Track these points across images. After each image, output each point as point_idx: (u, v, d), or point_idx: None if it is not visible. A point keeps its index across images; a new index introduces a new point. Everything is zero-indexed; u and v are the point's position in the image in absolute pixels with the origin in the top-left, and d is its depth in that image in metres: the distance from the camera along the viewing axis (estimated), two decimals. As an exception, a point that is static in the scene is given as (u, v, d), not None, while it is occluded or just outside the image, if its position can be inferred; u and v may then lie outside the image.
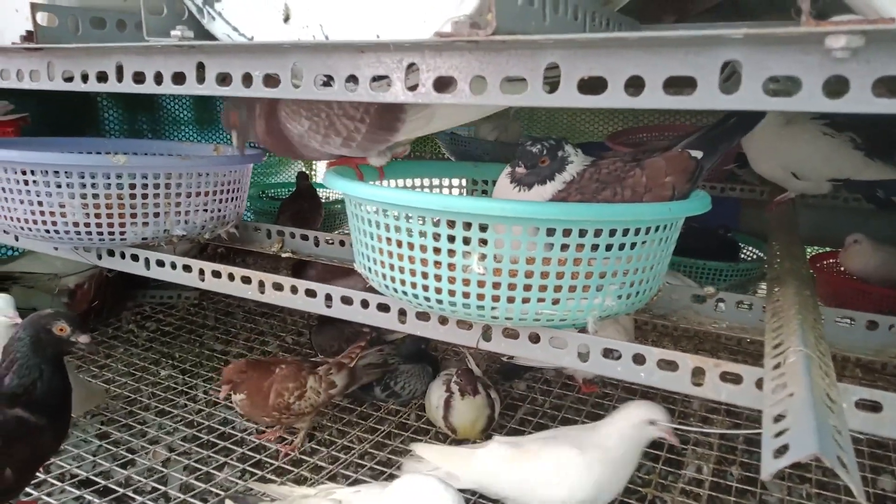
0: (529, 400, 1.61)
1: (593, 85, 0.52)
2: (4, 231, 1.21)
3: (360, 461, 1.34)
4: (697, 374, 0.71)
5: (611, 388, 1.65)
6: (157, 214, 1.07)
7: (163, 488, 1.21)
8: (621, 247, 0.72)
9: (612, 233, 0.70)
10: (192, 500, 1.18)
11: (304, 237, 1.28)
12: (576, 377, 1.61)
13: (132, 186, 1.02)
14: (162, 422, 1.45)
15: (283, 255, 1.24)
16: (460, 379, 1.41)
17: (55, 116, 1.76)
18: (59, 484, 1.19)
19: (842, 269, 1.81)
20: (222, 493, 1.20)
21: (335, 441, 1.41)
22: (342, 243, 1.25)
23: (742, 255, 2.00)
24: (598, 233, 0.70)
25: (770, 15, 1.14)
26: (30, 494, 1.11)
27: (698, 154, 0.82)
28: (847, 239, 1.75)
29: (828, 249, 1.96)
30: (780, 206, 1.45)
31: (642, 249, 0.74)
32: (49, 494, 1.14)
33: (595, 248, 0.71)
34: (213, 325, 2.00)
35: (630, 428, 0.97)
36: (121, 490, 1.19)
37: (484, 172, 1.09)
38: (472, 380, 1.41)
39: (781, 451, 0.50)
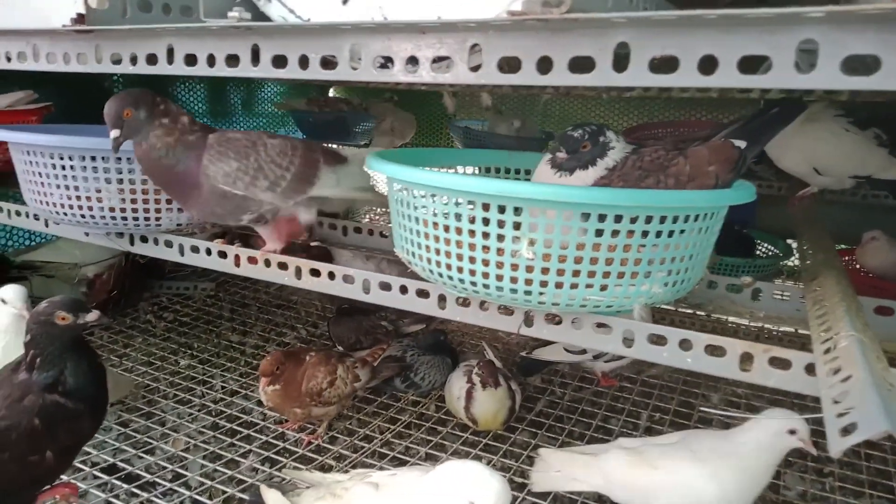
0: (548, 393, 1.61)
1: (664, 64, 0.52)
2: (35, 217, 1.21)
3: (382, 450, 1.35)
4: (746, 359, 0.71)
5: (629, 381, 1.66)
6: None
7: (187, 474, 1.22)
8: (670, 234, 0.72)
9: (663, 220, 0.71)
10: (218, 486, 1.18)
11: (333, 226, 1.29)
12: (595, 371, 1.62)
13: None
14: (184, 410, 1.46)
15: (312, 245, 1.24)
16: (482, 370, 1.41)
17: (72, 106, 1.75)
18: (87, 469, 1.20)
19: (858, 265, 1.81)
20: (248, 479, 1.20)
21: (356, 431, 1.42)
22: (371, 232, 1.25)
23: (757, 252, 2.00)
24: (648, 219, 0.70)
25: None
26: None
27: (741, 144, 0.83)
28: (864, 235, 1.75)
29: (842, 246, 1.96)
30: (803, 201, 1.46)
31: (690, 237, 0.74)
32: (74, 480, 1.15)
33: (645, 234, 0.71)
34: (230, 317, 2.00)
35: (769, 437, 0.91)
36: (147, 476, 1.20)
37: (517, 161, 1.10)
38: (493, 371, 1.42)
39: (849, 429, 0.50)
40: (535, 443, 1.38)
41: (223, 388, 1.58)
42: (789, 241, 1.90)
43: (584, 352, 1.50)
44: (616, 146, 0.85)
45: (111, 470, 1.21)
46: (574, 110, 2.44)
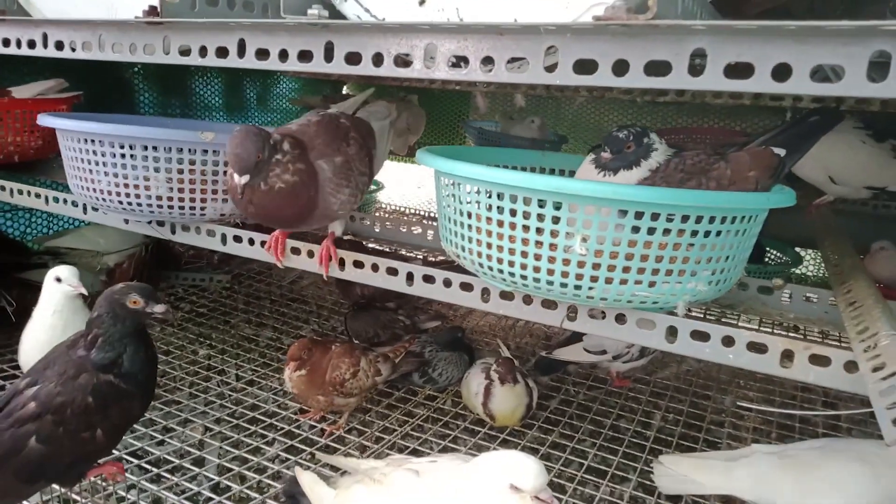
0: (562, 392, 1.64)
1: (738, 70, 0.55)
2: (74, 204, 1.23)
3: (402, 443, 1.37)
4: (787, 356, 0.74)
5: (641, 383, 1.69)
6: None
7: (215, 459, 1.23)
8: (718, 233, 0.75)
9: (712, 219, 0.74)
10: (246, 472, 1.20)
11: (363, 219, 1.31)
12: (610, 371, 1.65)
13: (216, 163, 1.05)
14: (204, 398, 1.47)
15: (345, 238, 1.26)
16: (500, 367, 1.44)
17: (93, 96, 1.77)
18: (115, 453, 1.21)
19: (866, 275, 1.85)
20: (271, 467, 1.22)
21: (375, 423, 1.44)
22: (403, 227, 1.27)
23: (766, 259, 2.04)
24: (699, 219, 0.73)
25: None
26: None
27: (781, 151, 0.86)
28: (873, 245, 1.79)
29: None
30: (819, 209, 1.50)
31: (735, 237, 0.78)
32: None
33: (695, 233, 0.74)
34: (245, 309, 2.02)
35: None
36: (175, 461, 1.22)
37: (552, 161, 1.13)
38: (512, 368, 1.44)
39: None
40: (552, 439, 1.41)
41: (239, 378, 1.60)
42: (798, 249, 1.94)
43: (604, 352, 1.53)
44: (659, 148, 0.88)
45: (134, 455, 1.23)
46: (588, 114, 2.47)
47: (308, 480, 1.00)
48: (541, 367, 1.66)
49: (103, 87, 1.95)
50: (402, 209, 2.82)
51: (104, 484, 1.06)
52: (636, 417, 1.51)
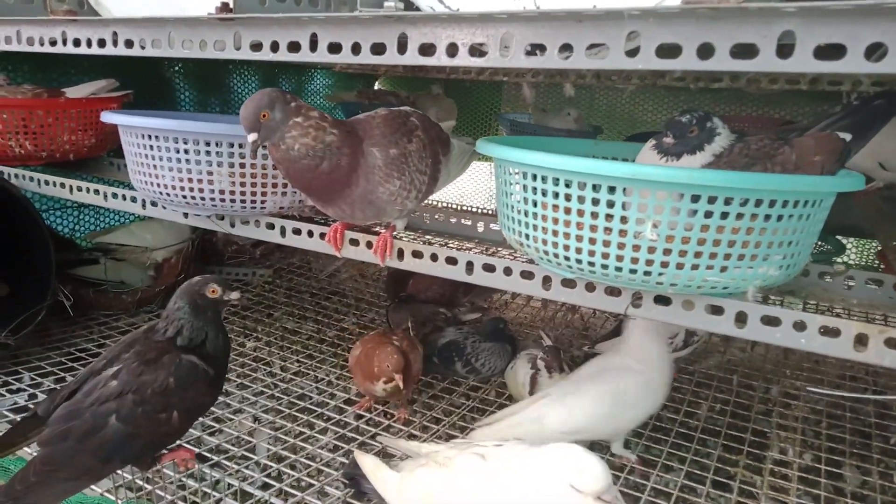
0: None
1: (828, 51, 0.55)
2: (133, 199, 1.26)
3: (450, 432, 1.39)
4: (861, 340, 0.74)
5: (686, 374, 1.68)
6: (295, 184, 1.10)
7: (270, 447, 1.26)
8: (789, 217, 0.75)
9: (784, 203, 0.74)
10: (302, 459, 1.22)
11: (413, 211, 1.32)
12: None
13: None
14: (258, 388, 1.50)
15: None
16: (547, 356, 1.45)
17: (137, 95, 1.80)
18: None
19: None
20: (324, 453, 1.24)
21: (422, 412, 1.46)
22: (452, 218, 1.28)
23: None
24: (771, 203, 0.73)
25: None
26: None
27: (847, 136, 0.85)
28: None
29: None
30: (868, 196, 1.48)
31: (805, 221, 0.77)
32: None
33: (767, 217, 0.74)
34: (287, 302, 2.05)
35: None
36: (232, 448, 1.25)
37: (604, 150, 1.13)
38: (558, 357, 1.45)
39: None
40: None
41: (285, 369, 1.63)
42: (839, 237, 1.91)
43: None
44: (722, 132, 0.88)
45: (191, 444, 1.25)
46: (621, 104, 2.45)
47: (371, 464, 1.01)
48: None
49: (146, 86, 1.99)
50: (435, 203, 2.83)
51: (170, 473, 1.09)
52: (682, 408, 1.51)
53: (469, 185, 3.01)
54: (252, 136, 0.88)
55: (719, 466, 1.27)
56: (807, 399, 1.55)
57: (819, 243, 2.04)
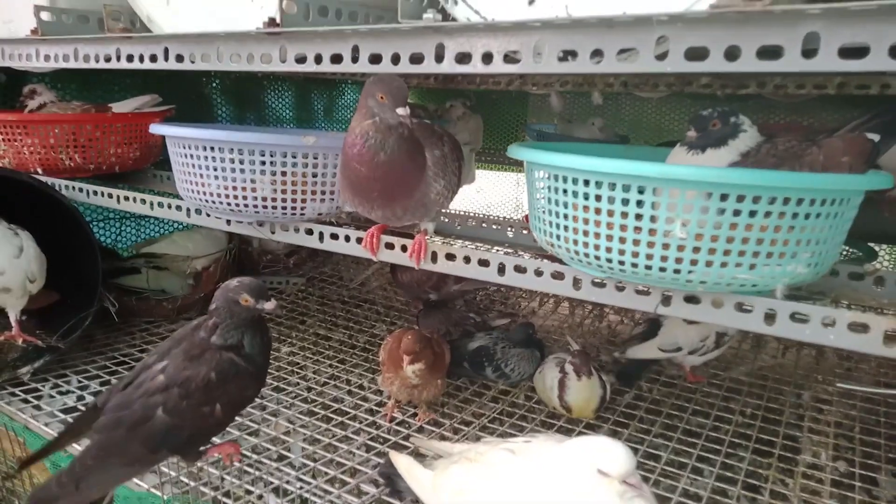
0: (636, 386, 1.65)
1: (852, 51, 0.57)
2: (178, 208, 1.32)
3: (480, 434, 1.41)
4: (890, 337, 0.75)
5: (716, 379, 1.68)
6: (332, 192, 1.16)
7: (306, 446, 1.29)
8: (818, 215, 0.77)
9: (812, 202, 0.76)
10: (337, 458, 1.26)
11: (444, 218, 1.36)
12: (684, 367, 1.65)
13: (315, 165, 1.12)
14: (294, 391, 1.55)
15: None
16: (575, 359, 1.47)
17: (177, 110, 1.88)
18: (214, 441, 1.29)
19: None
20: (359, 452, 1.27)
21: (453, 414, 1.48)
22: (481, 223, 1.32)
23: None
24: (799, 201, 0.75)
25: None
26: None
27: (875, 137, 0.87)
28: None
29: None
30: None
31: (833, 220, 0.79)
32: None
33: (795, 215, 0.76)
34: (319, 310, 2.10)
35: None
36: (270, 447, 1.29)
37: (635, 154, 1.16)
38: (587, 360, 1.47)
39: None
40: (628, 433, 1.43)
41: (318, 373, 1.67)
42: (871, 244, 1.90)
43: (678, 349, 1.54)
44: (749, 131, 0.90)
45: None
46: (648, 113, 2.47)
47: (405, 463, 1.05)
48: (622, 377, 1.65)
49: (186, 102, 2.08)
50: (461, 213, 2.87)
51: (213, 471, 1.13)
52: (712, 412, 1.51)
53: (495, 196, 3.04)
54: (406, 111, 0.93)
55: (751, 469, 1.27)
56: (839, 405, 1.53)
57: (850, 250, 2.03)
